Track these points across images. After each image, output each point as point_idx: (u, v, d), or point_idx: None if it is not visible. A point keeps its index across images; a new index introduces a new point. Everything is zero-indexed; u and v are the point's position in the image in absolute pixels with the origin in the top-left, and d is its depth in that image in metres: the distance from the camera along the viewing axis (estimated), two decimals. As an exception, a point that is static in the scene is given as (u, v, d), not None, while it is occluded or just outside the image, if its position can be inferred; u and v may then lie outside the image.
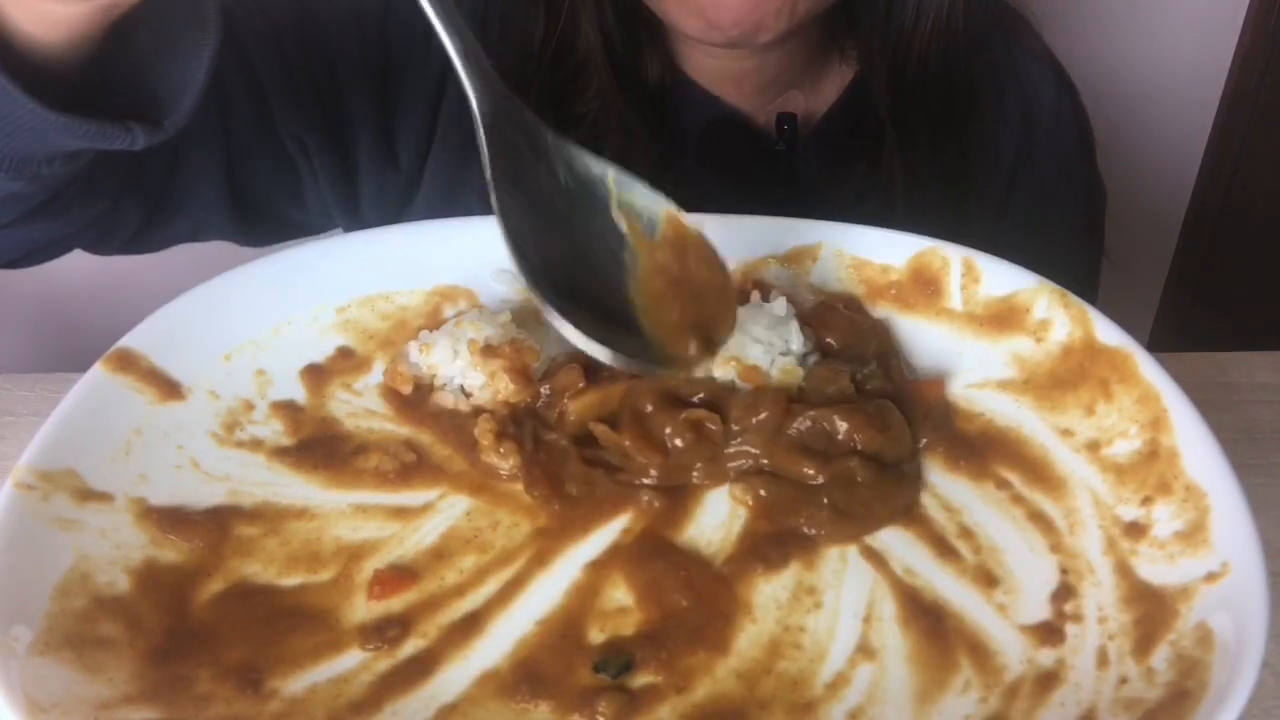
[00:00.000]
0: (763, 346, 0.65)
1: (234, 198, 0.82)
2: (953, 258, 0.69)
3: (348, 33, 0.85)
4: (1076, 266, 0.98)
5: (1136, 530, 0.57)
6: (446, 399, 0.66)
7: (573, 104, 0.86)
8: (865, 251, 0.71)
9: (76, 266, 0.83)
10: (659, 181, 0.61)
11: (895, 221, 0.72)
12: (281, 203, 0.88)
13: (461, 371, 0.66)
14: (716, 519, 0.60)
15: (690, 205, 0.62)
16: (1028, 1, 0.96)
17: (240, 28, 0.79)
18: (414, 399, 0.66)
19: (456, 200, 0.88)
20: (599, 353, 0.56)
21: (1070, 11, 1.39)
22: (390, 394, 0.67)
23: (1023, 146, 0.95)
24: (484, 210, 0.88)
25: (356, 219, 0.91)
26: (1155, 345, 0.62)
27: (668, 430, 0.62)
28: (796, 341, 0.66)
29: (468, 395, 0.66)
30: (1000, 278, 0.68)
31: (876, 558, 0.58)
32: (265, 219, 0.87)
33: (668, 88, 0.90)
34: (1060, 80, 0.97)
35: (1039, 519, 0.60)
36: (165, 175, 0.77)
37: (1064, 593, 0.56)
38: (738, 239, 0.72)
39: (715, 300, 0.61)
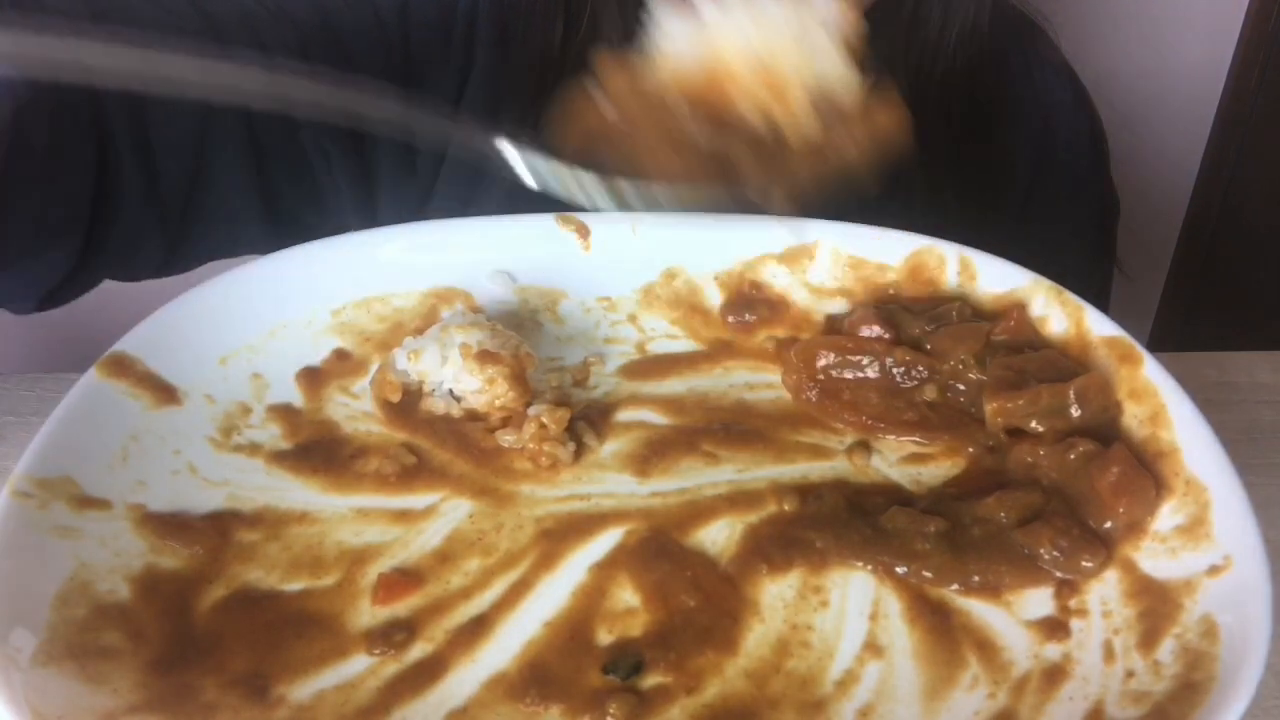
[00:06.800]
0: None
1: (264, 205, 0.81)
2: (949, 255, 0.70)
3: (367, 38, 0.83)
4: (1089, 279, 0.98)
5: (1138, 525, 0.57)
6: (437, 405, 0.65)
7: None
8: (862, 250, 0.71)
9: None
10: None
11: (914, 231, 0.71)
12: (303, 208, 0.86)
13: (452, 376, 0.65)
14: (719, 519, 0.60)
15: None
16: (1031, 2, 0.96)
17: (265, 30, 0.77)
18: (404, 406, 0.65)
19: (471, 205, 0.87)
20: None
21: (1069, 11, 1.39)
22: (381, 401, 0.66)
23: (1040, 159, 0.95)
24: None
25: (374, 222, 0.90)
26: (1155, 345, 0.62)
27: None
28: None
29: (458, 400, 0.65)
30: (996, 275, 0.69)
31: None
32: (290, 225, 0.86)
33: None
34: (1077, 92, 0.97)
35: (1040, 515, 0.60)
36: (187, 191, 0.76)
37: (1068, 588, 0.56)
38: (735, 237, 0.72)
39: None
